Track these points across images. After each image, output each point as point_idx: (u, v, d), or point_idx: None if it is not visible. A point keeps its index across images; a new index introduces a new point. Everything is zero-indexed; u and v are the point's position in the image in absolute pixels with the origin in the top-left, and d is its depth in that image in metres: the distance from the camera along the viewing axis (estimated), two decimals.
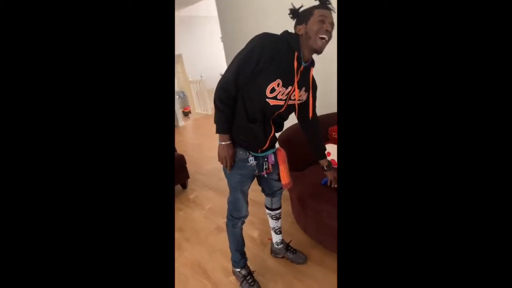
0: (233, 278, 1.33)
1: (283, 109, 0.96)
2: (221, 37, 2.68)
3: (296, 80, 0.91)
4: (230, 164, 1.01)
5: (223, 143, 0.98)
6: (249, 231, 1.65)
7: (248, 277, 1.24)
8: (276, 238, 1.38)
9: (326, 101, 1.87)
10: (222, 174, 1.13)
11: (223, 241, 1.58)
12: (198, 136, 4.28)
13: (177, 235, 1.74)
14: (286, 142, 1.46)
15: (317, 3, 0.88)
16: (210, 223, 1.83)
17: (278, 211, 1.32)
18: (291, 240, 1.44)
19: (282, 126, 1.09)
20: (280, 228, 1.36)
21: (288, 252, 1.39)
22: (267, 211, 1.33)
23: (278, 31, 0.93)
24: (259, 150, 1.04)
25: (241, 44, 0.91)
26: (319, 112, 1.93)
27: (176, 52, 5.51)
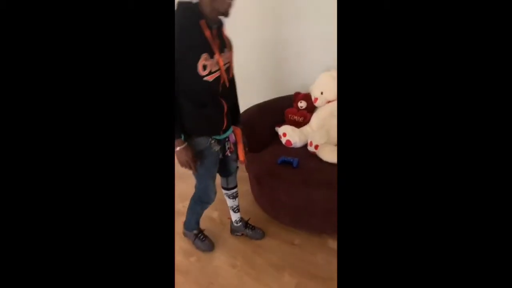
0: (193, 258, 1.34)
1: (222, 79, 0.95)
2: None
3: (216, 45, 0.89)
4: (194, 166, 0.99)
5: (179, 147, 0.94)
6: (209, 212, 1.66)
7: (199, 235, 1.33)
8: (234, 216, 1.43)
9: (283, 85, 1.92)
10: None
11: (181, 224, 1.57)
12: None
13: None
14: (242, 124, 1.48)
15: None
16: None
17: (234, 190, 1.35)
18: (249, 218, 1.50)
19: (232, 98, 1.08)
20: (238, 206, 1.40)
21: (247, 229, 1.45)
22: (224, 191, 1.35)
23: None
24: (221, 132, 1.03)
25: None
26: (276, 94, 1.98)
27: None
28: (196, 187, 1.16)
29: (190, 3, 0.86)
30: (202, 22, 0.84)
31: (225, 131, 1.05)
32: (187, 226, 1.37)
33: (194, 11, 0.85)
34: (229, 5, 0.84)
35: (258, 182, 1.45)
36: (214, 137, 1.02)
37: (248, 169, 1.49)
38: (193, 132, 0.97)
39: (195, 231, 1.37)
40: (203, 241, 1.36)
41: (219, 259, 1.30)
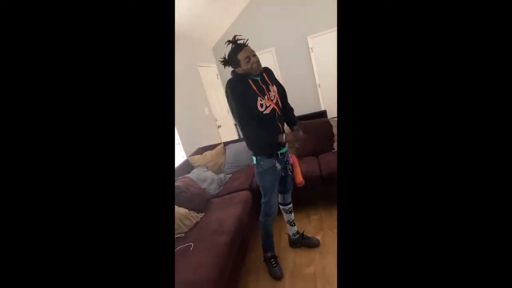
0: None
1: (277, 110, 1.30)
2: None
3: (262, 89, 1.25)
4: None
5: (286, 133, 1.26)
6: None
7: (272, 260, 1.52)
8: (292, 230, 1.64)
9: None
10: None
11: None
12: None
13: None
14: None
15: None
16: None
17: (290, 205, 1.59)
18: (304, 230, 1.72)
19: (284, 121, 1.38)
20: (293, 220, 1.63)
21: (304, 240, 1.66)
22: (281, 206, 1.58)
23: None
24: (281, 147, 1.32)
25: None
26: None
27: None
28: (262, 202, 1.43)
29: (237, 74, 1.25)
30: (249, 80, 1.23)
31: (283, 146, 1.34)
32: (264, 246, 1.53)
33: (240, 77, 1.24)
34: (256, 65, 1.19)
35: None
36: (276, 152, 1.31)
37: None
38: (262, 152, 1.31)
39: (269, 254, 1.53)
40: (274, 267, 1.49)
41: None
